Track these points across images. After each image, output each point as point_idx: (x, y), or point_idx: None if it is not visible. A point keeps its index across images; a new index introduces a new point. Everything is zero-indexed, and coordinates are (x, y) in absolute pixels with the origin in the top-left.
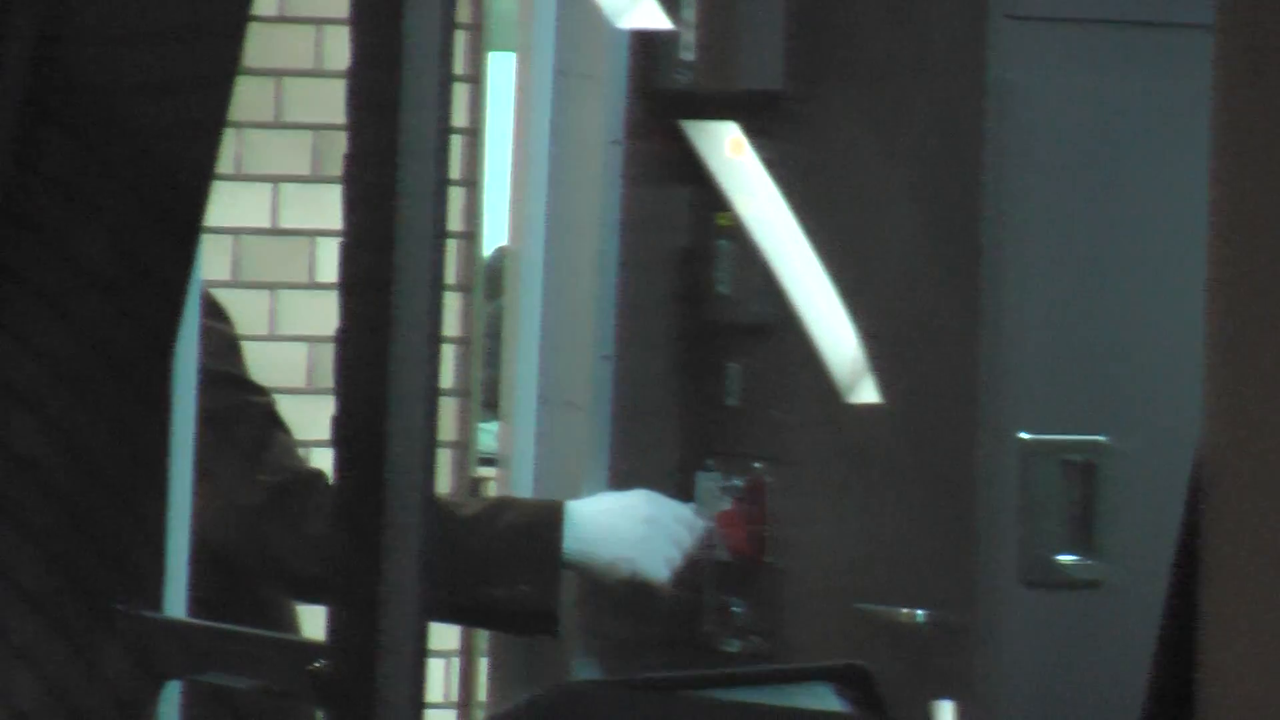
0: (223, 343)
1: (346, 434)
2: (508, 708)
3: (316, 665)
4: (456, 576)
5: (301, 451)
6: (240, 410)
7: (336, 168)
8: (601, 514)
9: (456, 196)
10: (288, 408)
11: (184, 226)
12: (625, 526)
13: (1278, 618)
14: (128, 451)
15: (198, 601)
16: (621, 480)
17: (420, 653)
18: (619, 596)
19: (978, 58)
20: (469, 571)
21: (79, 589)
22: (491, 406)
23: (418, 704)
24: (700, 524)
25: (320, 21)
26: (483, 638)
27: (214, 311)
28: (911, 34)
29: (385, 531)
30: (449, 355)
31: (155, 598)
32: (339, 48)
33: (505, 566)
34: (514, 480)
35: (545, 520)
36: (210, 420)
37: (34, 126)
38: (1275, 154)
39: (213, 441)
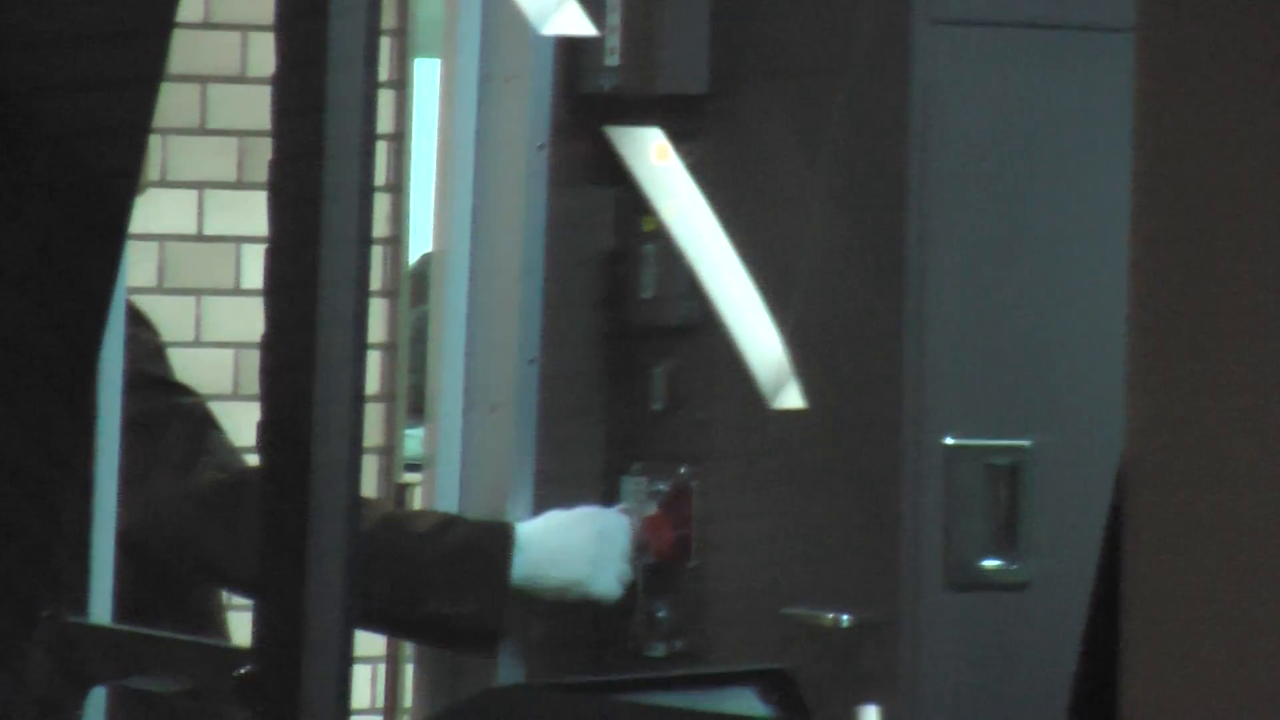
0: (148, 349)
1: (272, 439)
2: (435, 713)
3: (242, 670)
4: (402, 591)
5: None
6: (170, 412)
7: (262, 174)
8: (550, 535)
9: (382, 202)
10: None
11: (107, 232)
12: (575, 548)
13: (1200, 618)
14: (50, 458)
15: (125, 606)
16: (547, 484)
17: (346, 658)
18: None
19: (901, 60)
20: (415, 587)
21: (4, 596)
22: (418, 412)
23: (343, 709)
24: (637, 531)
25: (245, 28)
26: (409, 644)
27: (137, 319)
28: (835, 37)
29: (310, 537)
30: (375, 361)
31: (79, 603)
32: (264, 53)
33: (452, 585)
34: (439, 485)
35: (494, 541)
36: (140, 425)
37: None
38: (1195, 157)
39: (144, 446)
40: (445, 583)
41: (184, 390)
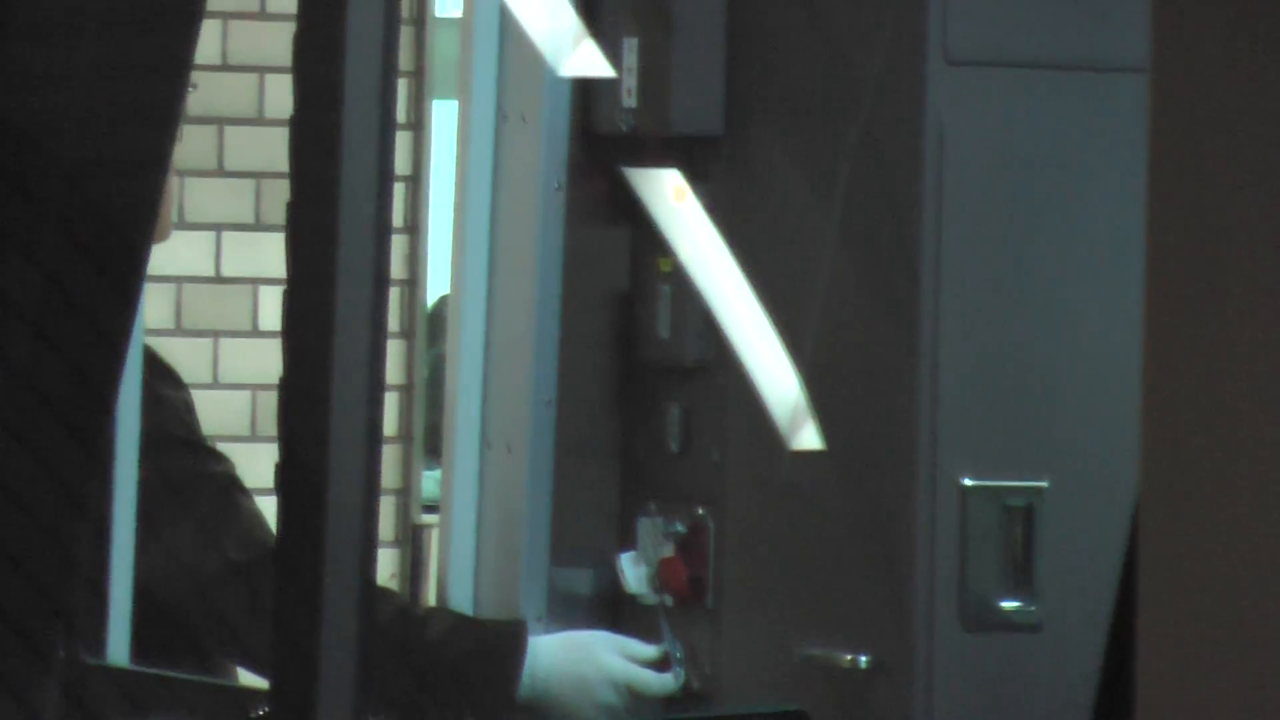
0: (178, 409)
1: (289, 480)
2: None
3: (259, 712)
4: (410, 694)
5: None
6: (199, 478)
7: (279, 215)
8: (560, 655)
9: (399, 243)
10: (231, 455)
11: (123, 273)
12: (581, 673)
13: (1216, 657)
14: (64, 500)
15: (142, 648)
16: (563, 524)
17: (363, 697)
18: None
19: (914, 101)
20: (423, 692)
21: (18, 636)
22: (435, 453)
23: None
24: (646, 653)
25: (262, 69)
26: None
27: (165, 375)
28: (848, 78)
29: (326, 575)
30: (392, 402)
31: (97, 645)
32: (281, 94)
33: (461, 692)
34: (455, 526)
35: (506, 653)
36: (167, 485)
37: None
38: (1209, 198)
39: (170, 508)
40: (453, 691)
41: (214, 455)
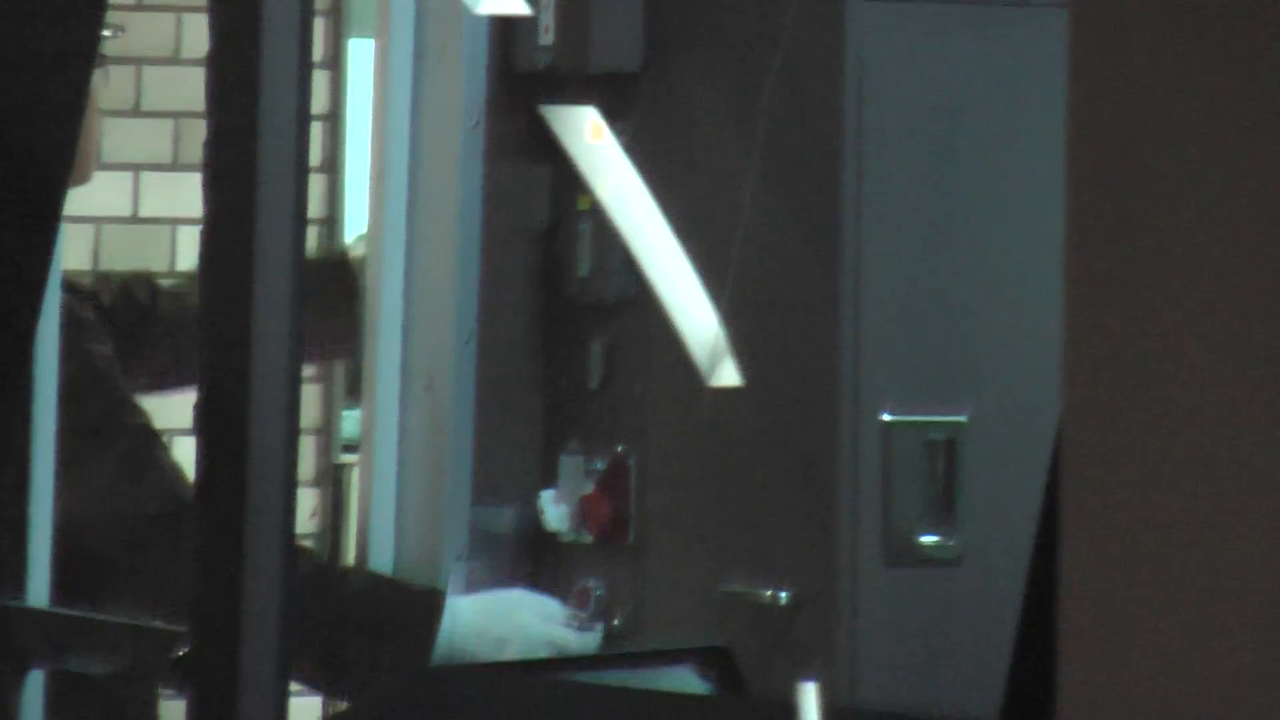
0: (102, 364)
1: (209, 420)
2: (371, 691)
3: (181, 651)
4: (320, 650)
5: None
6: (119, 426)
7: (197, 155)
8: (478, 617)
9: (317, 182)
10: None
11: (40, 218)
12: (499, 634)
13: (1136, 588)
14: None
15: (64, 588)
16: (484, 462)
17: (284, 634)
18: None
19: (834, 36)
20: (335, 651)
21: None
22: (355, 392)
23: (282, 687)
24: (568, 616)
25: (179, 9)
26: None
27: (95, 333)
28: (769, 12)
29: (248, 516)
30: None
31: (16, 586)
32: (198, 35)
33: (373, 654)
34: (376, 465)
35: (422, 615)
36: (89, 432)
37: None
38: (1129, 131)
39: (87, 456)
40: (368, 648)
41: (133, 408)
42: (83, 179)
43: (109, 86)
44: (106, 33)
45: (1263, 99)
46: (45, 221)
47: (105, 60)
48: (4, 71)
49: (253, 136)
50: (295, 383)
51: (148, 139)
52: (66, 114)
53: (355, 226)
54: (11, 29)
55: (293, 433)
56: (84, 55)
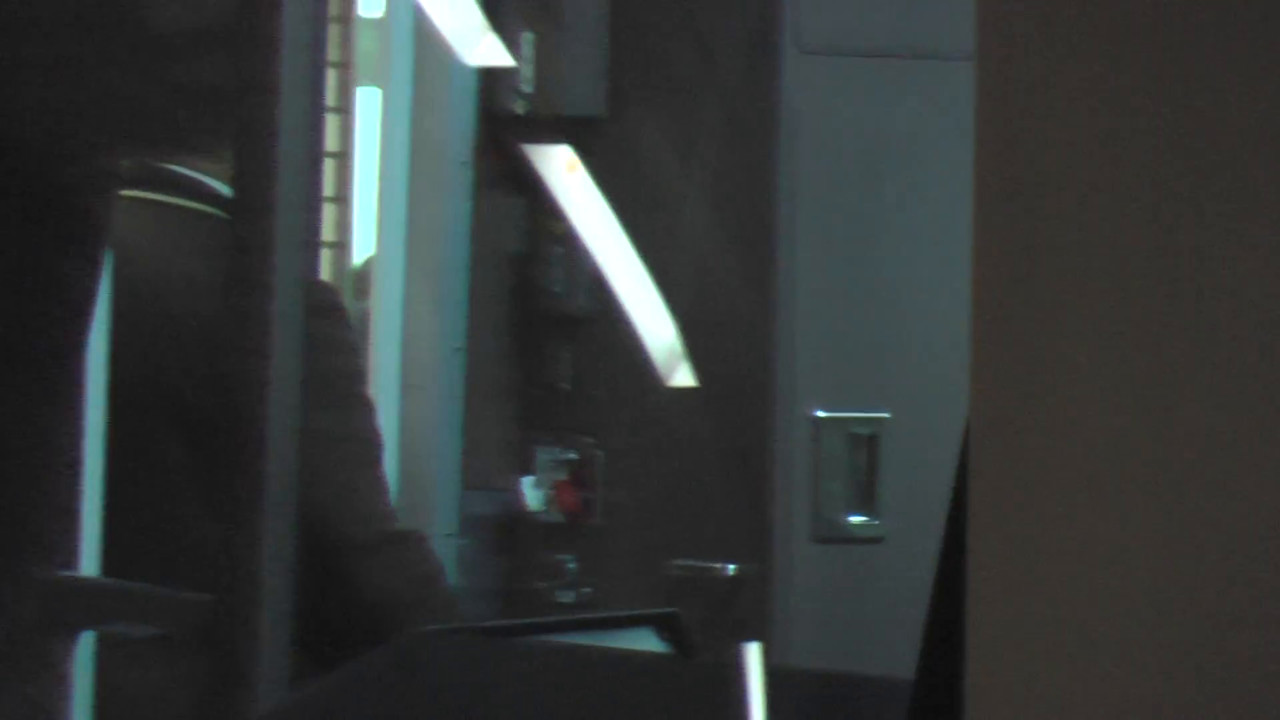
0: (341, 346)
1: (231, 419)
2: (369, 653)
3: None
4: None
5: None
6: (347, 437)
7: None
8: None
9: (330, 211)
10: None
11: (87, 241)
12: None
13: (1035, 562)
14: (40, 437)
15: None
16: (471, 454)
17: (293, 603)
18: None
19: (771, 85)
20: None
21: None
22: None
23: (292, 651)
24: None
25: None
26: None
27: (331, 310)
28: (714, 67)
29: (266, 505)
30: None
31: (69, 560)
32: None
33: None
34: None
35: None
36: (316, 442)
37: None
38: (1029, 157)
39: (312, 466)
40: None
41: (367, 407)
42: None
43: None
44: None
45: (1153, 129)
46: (91, 246)
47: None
48: (48, 114)
49: (273, 172)
50: (304, 385)
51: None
52: (108, 146)
53: (363, 249)
54: (63, 83)
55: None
56: (124, 91)
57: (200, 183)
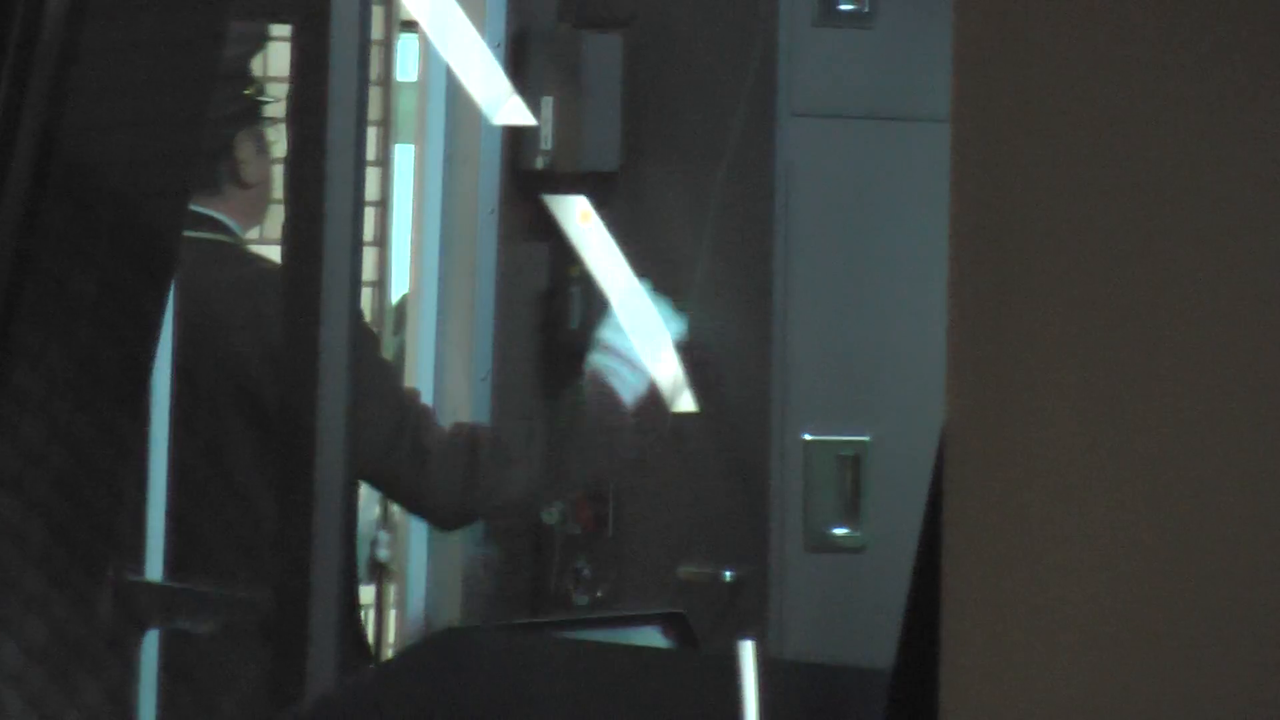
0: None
1: (287, 437)
2: (406, 647)
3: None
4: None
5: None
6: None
7: (278, 231)
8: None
9: (370, 253)
10: None
11: (158, 269)
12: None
13: (1004, 568)
14: (115, 447)
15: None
16: None
17: (344, 607)
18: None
19: (767, 145)
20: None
21: (78, 556)
22: None
23: (340, 646)
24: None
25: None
26: (390, 589)
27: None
28: (717, 127)
29: (316, 509)
30: None
31: (138, 562)
32: (277, 140)
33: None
34: None
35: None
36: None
37: (40, 196)
38: (1004, 195)
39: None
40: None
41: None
42: (259, 221)
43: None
44: (260, 95)
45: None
46: (162, 273)
47: (271, 119)
48: (130, 157)
49: (320, 219)
50: (352, 404)
51: None
52: (180, 165)
53: (400, 289)
54: (139, 127)
55: (351, 439)
56: (197, 112)
57: (214, 219)
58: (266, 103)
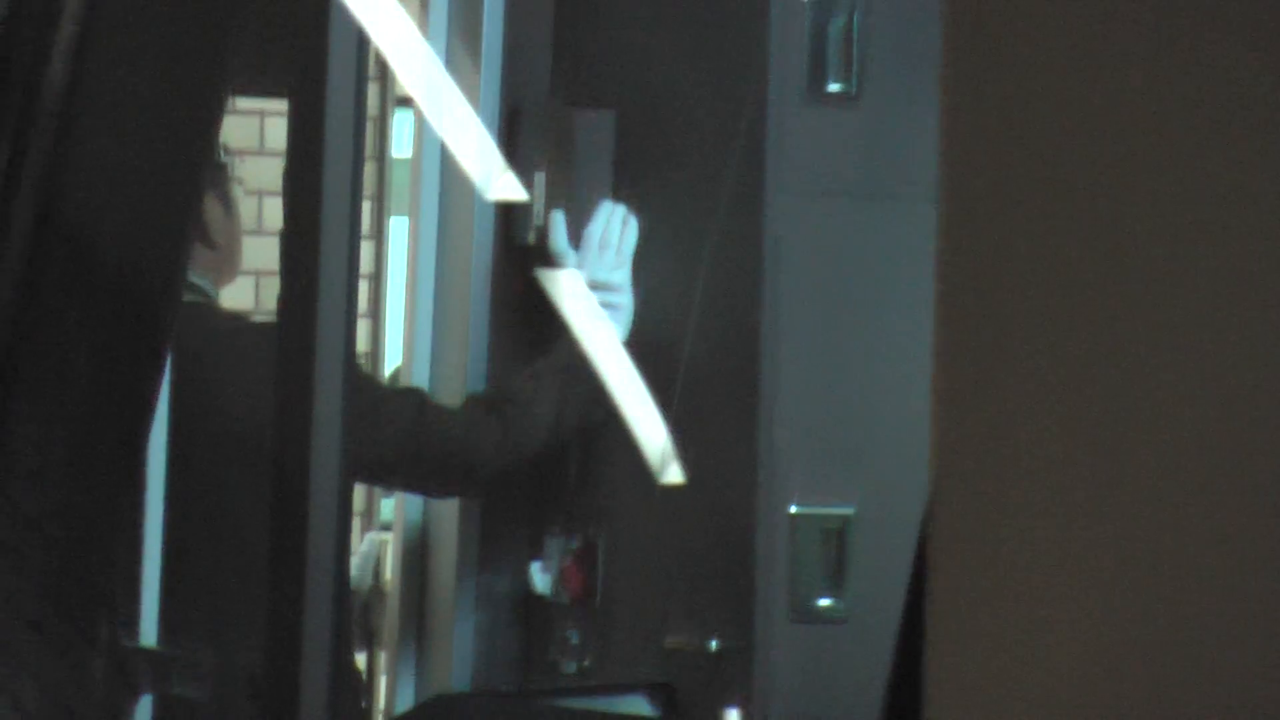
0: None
1: (279, 512)
2: (399, 714)
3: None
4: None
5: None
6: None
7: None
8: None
9: (364, 326)
10: None
11: (152, 340)
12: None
13: (987, 647)
14: (113, 517)
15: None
16: (488, 540)
17: (336, 668)
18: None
19: (756, 220)
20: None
21: (75, 621)
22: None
23: (333, 712)
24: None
25: (261, 193)
26: (381, 655)
27: None
28: (707, 203)
29: (308, 575)
30: None
31: (134, 627)
32: (274, 212)
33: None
34: (404, 542)
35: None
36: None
37: (37, 268)
38: (988, 279)
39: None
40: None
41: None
42: (229, 279)
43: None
44: (225, 158)
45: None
46: (156, 344)
47: (236, 180)
48: (118, 202)
49: (314, 291)
50: (346, 470)
51: (236, 294)
52: (175, 242)
53: (393, 360)
54: (137, 200)
55: (346, 506)
56: (191, 191)
57: (188, 281)
58: (231, 164)
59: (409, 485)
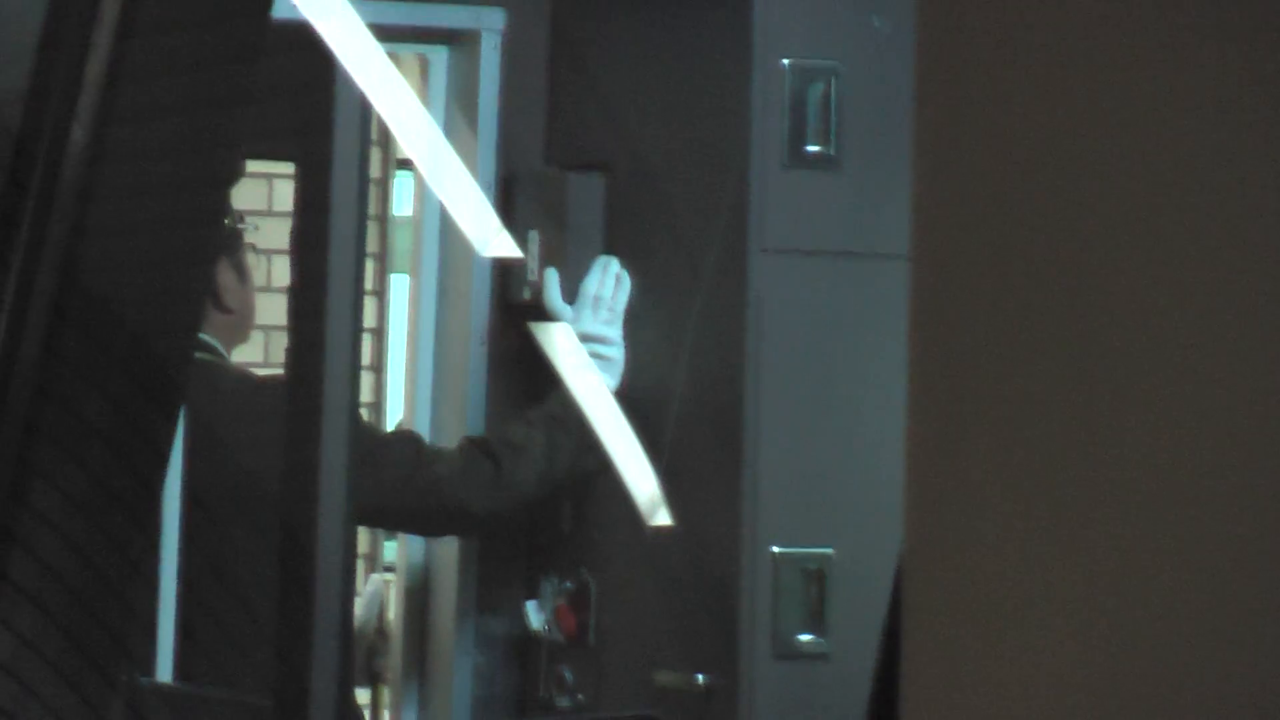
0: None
1: (286, 553)
2: None
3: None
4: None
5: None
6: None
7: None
8: None
9: (367, 378)
10: None
11: (166, 397)
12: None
13: (961, 678)
14: (129, 564)
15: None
16: (486, 583)
17: (341, 709)
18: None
19: (740, 279)
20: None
21: (92, 662)
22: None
23: None
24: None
25: (270, 252)
26: (385, 693)
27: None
28: (692, 263)
29: (315, 615)
30: None
31: (148, 666)
32: (282, 272)
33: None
34: (407, 584)
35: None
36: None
37: (58, 328)
38: (959, 332)
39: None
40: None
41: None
42: (241, 341)
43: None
44: (240, 225)
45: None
46: (169, 401)
47: (249, 246)
48: (130, 271)
49: (321, 348)
50: (349, 515)
51: (246, 353)
52: (191, 301)
53: (396, 413)
54: (147, 266)
55: (350, 549)
56: (207, 250)
57: (202, 341)
58: (245, 230)
59: (406, 526)
